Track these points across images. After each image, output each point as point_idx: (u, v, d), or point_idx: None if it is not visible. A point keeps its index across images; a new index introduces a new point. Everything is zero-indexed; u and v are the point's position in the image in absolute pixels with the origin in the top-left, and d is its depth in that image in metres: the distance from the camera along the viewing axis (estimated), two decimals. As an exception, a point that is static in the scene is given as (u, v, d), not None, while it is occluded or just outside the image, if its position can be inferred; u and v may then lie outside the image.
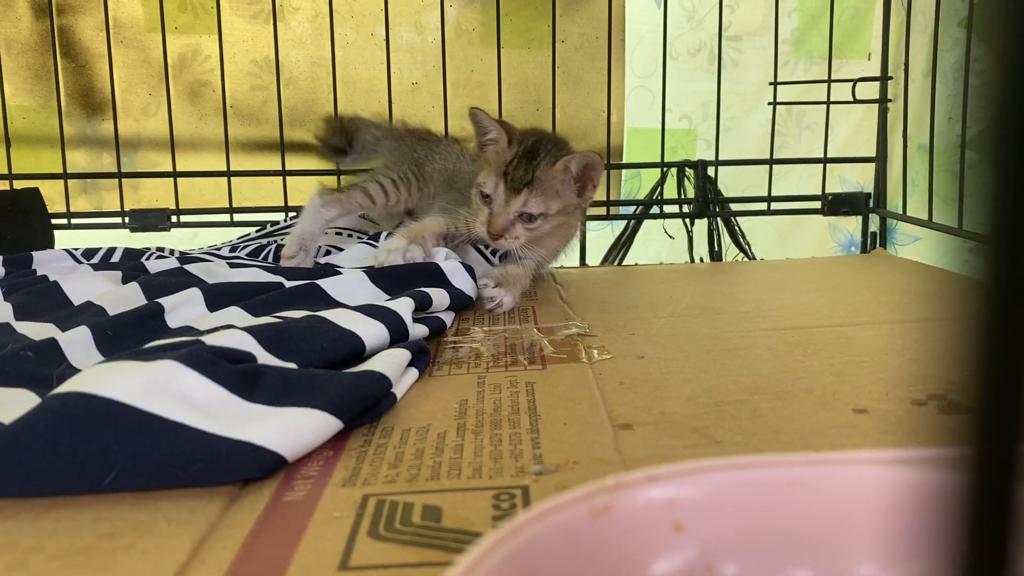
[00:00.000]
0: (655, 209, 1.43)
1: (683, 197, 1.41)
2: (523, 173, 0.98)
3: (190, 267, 0.95)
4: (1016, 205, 0.15)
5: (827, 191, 1.40)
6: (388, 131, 1.29)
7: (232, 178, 1.37)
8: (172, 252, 1.16)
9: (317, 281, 0.86)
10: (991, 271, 0.16)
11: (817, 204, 1.41)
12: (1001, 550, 0.16)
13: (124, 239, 1.38)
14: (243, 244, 1.21)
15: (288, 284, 0.87)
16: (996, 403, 0.16)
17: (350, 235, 1.23)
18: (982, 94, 0.16)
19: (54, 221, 1.32)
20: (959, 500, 0.16)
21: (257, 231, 1.31)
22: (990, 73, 0.15)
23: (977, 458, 0.16)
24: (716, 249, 1.43)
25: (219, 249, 1.20)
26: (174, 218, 1.38)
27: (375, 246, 1.09)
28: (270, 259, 1.11)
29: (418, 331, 0.75)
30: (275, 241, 1.18)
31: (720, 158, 1.40)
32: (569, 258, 1.42)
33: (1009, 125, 0.15)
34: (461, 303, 0.90)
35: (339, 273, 0.93)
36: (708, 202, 1.40)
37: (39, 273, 0.99)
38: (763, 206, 1.40)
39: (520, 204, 0.98)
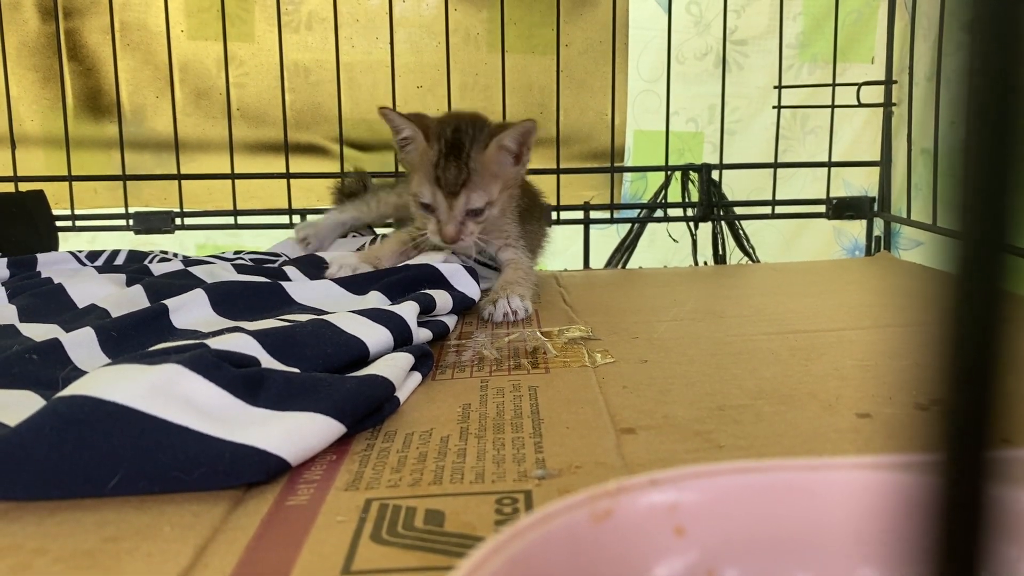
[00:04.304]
0: (659, 212, 1.43)
1: (687, 200, 1.41)
2: (456, 173, 0.94)
3: (194, 269, 0.96)
4: (988, 200, 0.16)
5: (831, 195, 1.40)
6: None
7: (243, 180, 1.38)
8: (176, 255, 1.16)
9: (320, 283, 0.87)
10: (962, 267, 0.16)
11: (821, 208, 1.41)
12: (972, 552, 0.16)
13: (129, 240, 1.39)
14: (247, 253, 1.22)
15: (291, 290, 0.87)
16: (967, 403, 0.16)
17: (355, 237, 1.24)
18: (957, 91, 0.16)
19: (59, 223, 1.32)
20: (931, 501, 0.16)
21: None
22: (964, 70, 0.15)
23: (948, 459, 0.16)
24: (720, 253, 1.43)
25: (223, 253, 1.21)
26: (178, 220, 1.39)
27: None
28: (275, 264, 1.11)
29: (422, 335, 0.75)
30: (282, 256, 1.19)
31: (725, 161, 1.40)
32: (572, 261, 1.43)
33: (983, 121, 0.15)
34: (464, 305, 0.90)
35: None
36: (712, 205, 1.40)
37: (44, 275, 0.99)
38: (767, 210, 1.40)
39: (463, 205, 0.95)
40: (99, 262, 1.10)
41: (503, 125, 1.00)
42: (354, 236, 1.24)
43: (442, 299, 0.84)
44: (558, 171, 1.37)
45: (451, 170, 0.94)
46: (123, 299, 0.84)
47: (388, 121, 0.99)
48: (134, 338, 0.72)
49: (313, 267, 1.03)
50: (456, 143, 0.96)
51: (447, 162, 0.95)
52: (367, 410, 0.57)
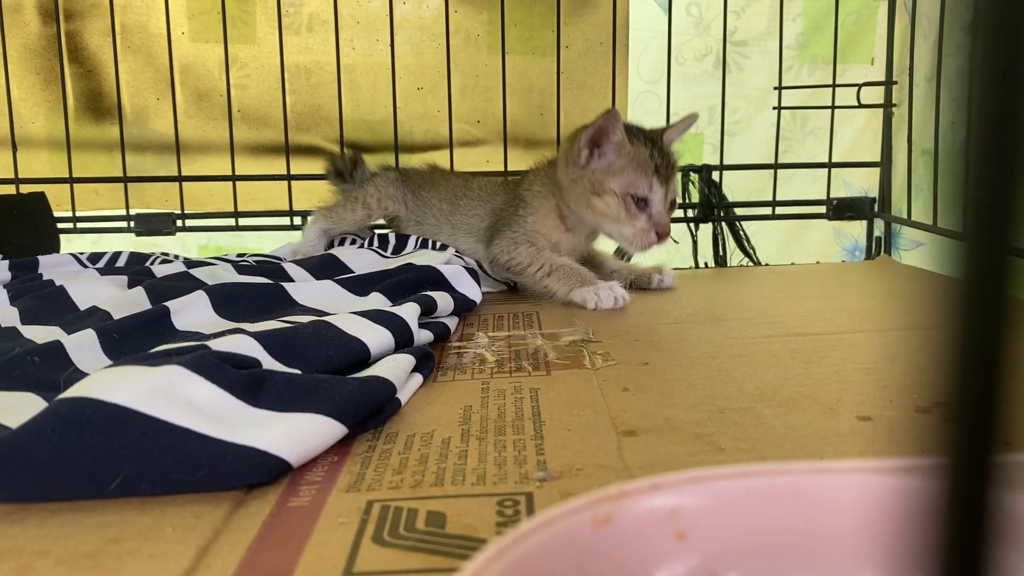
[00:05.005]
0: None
1: (688, 202, 1.41)
2: (666, 161, 0.97)
3: (195, 271, 0.96)
4: (991, 203, 0.16)
5: (831, 196, 1.40)
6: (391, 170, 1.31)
7: (244, 182, 1.38)
8: (177, 256, 1.16)
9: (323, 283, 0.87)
10: (965, 270, 0.16)
11: (822, 209, 1.41)
12: (977, 557, 0.16)
13: (131, 242, 1.39)
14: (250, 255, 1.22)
15: (292, 290, 0.88)
16: (972, 407, 0.16)
17: (353, 241, 1.23)
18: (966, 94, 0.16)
19: (60, 225, 1.32)
20: (937, 507, 0.16)
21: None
22: (966, 71, 0.15)
23: (953, 464, 0.16)
24: (720, 254, 1.43)
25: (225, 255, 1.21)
26: (179, 222, 1.39)
27: (382, 254, 1.10)
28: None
29: (423, 336, 0.76)
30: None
31: (725, 162, 1.40)
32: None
33: (995, 124, 0.15)
34: (465, 307, 0.90)
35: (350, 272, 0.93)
36: (712, 207, 1.40)
37: (45, 277, 0.99)
38: (768, 211, 1.40)
39: (672, 194, 0.99)
40: (100, 264, 1.10)
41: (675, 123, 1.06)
42: (353, 241, 1.23)
43: (443, 301, 0.85)
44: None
45: (663, 159, 0.97)
46: (124, 301, 0.84)
47: (614, 123, 0.96)
48: (136, 340, 0.72)
49: (324, 268, 1.02)
50: (653, 138, 1.00)
51: (657, 153, 0.97)
52: (368, 411, 0.57)
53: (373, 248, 1.13)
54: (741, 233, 1.43)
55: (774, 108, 1.40)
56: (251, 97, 1.43)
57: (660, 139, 1.01)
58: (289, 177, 1.37)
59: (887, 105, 1.37)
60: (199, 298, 0.81)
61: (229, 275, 0.96)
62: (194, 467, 0.47)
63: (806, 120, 1.57)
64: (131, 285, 0.92)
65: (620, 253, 1.18)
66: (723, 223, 1.42)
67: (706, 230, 1.43)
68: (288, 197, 1.37)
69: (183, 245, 1.51)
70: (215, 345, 0.60)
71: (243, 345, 0.61)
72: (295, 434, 0.50)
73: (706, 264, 1.43)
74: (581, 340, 0.80)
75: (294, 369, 0.61)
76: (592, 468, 0.50)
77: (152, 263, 1.08)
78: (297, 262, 1.05)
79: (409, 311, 0.75)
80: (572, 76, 1.47)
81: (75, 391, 0.49)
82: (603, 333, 0.83)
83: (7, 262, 1.05)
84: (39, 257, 1.08)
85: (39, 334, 0.77)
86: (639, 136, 1.00)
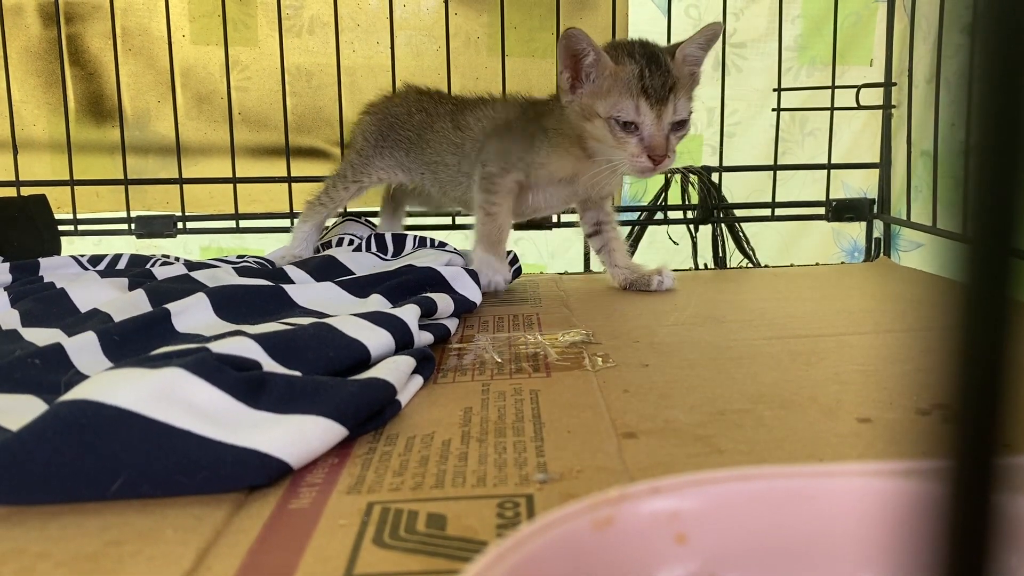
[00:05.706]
0: (659, 215, 1.43)
1: (687, 203, 1.42)
2: (662, 80, 0.90)
3: (196, 273, 0.96)
4: (996, 205, 0.16)
5: (831, 197, 1.40)
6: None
7: (244, 184, 1.38)
8: (178, 259, 1.16)
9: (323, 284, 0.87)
10: (970, 272, 0.16)
11: (821, 210, 1.41)
12: (979, 559, 0.16)
13: (133, 245, 1.39)
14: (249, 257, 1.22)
15: (290, 291, 0.88)
16: (975, 410, 0.16)
17: (351, 243, 1.23)
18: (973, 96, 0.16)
19: (61, 227, 1.32)
20: (939, 511, 0.16)
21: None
22: (975, 75, 0.15)
23: (954, 466, 0.16)
24: (720, 255, 1.43)
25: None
26: (180, 224, 1.39)
27: (382, 256, 1.10)
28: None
29: (424, 338, 0.76)
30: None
31: (725, 164, 1.40)
32: (573, 263, 1.43)
33: (996, 126, 0.15)
34: (465, 308, 0.90)
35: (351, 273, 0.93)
36: (712, 208, 1.40)
37: (46, 280, 1.00)
38: (767, 212, 1.40)
39: (671, 114, 0.91)
40: (101, 266, 1.10)
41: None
42: (351, 243, 1.23)
43: (443, 302, 0.85)
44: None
45: (656, 78, 0.90)
46: (125, 303, 0.84)
47: (574, 44, 0.91)
48: (136, 342, 0.72)
49: (324, 270, 1.03)
50: (652, 54, 0.92)
51: (650, 71, 0.90)
52: (369, 413, 0.57)
53: (372, 251, 1.13)
54: (740, 234, 1.43)
55: (773, 110, 1.40)
56: (252, 99, 1.43)
57: (663, 56, 0.92)
58: (290, 179, 1.37)
59: (886, 106, 1.37)
60: (199, 300, 0.81)
61: (230, 277, 0.96)
62: (194, 469, 0.47)
63: (805, 121, 1.57)
64: (132, 287, 0.92)
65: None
66: (722, 224, 1.42)
67: (705, 231, 1.43)
68: (288, 199, 1.37)
69: (185, 247, 1.51)
70: (215, 347, 0.60)
71: (243, 347, 0.61)
72: (295, 436, 0.50)
73: (705, 265, 1.43)
74: (581, 342, 0.80)
75: (294, 371, 0.61)
76: (592, 470, 0.50)
77: (153, 265, 1.08)
78: (297, 264, 1.05)
79: (409, 313, 0.75)
80: (572, 78, 1.47)
81: (76, 393, 0.49)
82: (603, 335, 0.83)
83: (8, 264, 1.05)
84: (40, 259, 1.08)
85: (40, 336, 0.77)
86: (633, 55, 0.92)
